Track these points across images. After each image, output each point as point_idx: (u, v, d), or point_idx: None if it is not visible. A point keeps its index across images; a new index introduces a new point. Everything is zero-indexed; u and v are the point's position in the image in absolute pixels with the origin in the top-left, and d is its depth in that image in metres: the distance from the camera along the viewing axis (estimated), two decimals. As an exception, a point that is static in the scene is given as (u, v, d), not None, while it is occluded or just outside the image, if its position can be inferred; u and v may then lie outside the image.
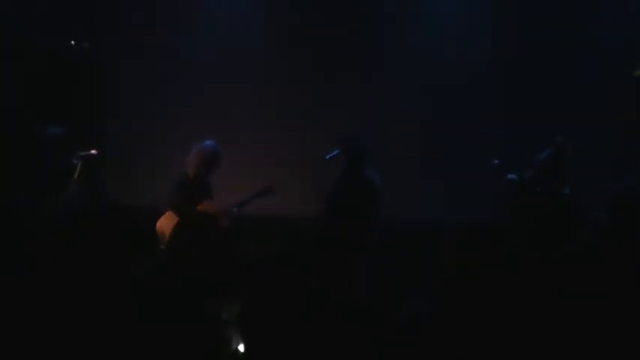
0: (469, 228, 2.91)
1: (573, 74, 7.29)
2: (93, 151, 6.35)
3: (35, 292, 2.50)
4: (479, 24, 7.58)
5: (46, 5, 7.63)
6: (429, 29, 7.63)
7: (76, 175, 6.20)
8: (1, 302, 2.48)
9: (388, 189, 5.80)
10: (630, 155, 6.85)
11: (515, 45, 7.44)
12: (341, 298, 2.79)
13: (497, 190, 5.95)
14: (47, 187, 6.13)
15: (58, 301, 2.46)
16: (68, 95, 7.75)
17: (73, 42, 7.40)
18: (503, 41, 7.47)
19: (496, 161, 6.01)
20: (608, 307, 2.68)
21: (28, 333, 2.40)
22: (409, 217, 6.85)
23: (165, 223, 5.02)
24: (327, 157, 5.84)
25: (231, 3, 8.07)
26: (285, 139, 7.54)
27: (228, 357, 2.49)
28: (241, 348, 2.46)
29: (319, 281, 2.59)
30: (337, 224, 5.51)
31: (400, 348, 2.48)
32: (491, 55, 7.50)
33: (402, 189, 6.90)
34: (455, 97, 7.47)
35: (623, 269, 3.07)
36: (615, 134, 7.09)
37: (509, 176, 5.88)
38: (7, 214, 2.91)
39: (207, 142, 5.66)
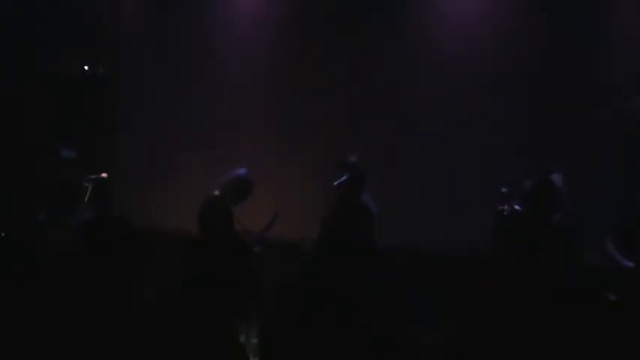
0: (468, 258, 2.94)
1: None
2: (103, 175, 6.45)
3: (47, 317, 2.55)
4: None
5: (53, 26, 7.71)
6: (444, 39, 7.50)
7: (86, 199, 6.29)
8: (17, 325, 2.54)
9: (392, 213, 5.87)
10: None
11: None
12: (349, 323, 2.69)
13: (495, 220, 5.91)
14: (58, 210, 6.14)
15: (66, 327, 2.49)
16: (79, 118, 7.83)
17: (86, 67, 7.56)
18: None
19: (504, 190, 5.96)
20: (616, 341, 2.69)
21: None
22: (409, 244, 6.77)
23: None
24: (336, 183, 5.90)
25: (244, 18, 8.05)
26: (297, 160, 7.51)
27: None
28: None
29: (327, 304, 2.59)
30: (332, 249, 5.47)
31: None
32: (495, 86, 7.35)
33: (405, 213, 6.94)
34: (466, 116, 7.34)
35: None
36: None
37: (515, 206, 5.84)
38: (17, 241, 2.97)
39: (241, 171, 5.80)
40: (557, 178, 5.70)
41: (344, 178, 5.93)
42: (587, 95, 7.02)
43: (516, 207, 5.83)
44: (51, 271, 2.81)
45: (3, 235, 4.89)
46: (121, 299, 2.59)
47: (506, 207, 5.84)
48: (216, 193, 5.77)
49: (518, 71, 7.20)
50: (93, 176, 6.39)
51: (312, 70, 7.70)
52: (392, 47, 7.52)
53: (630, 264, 5.43)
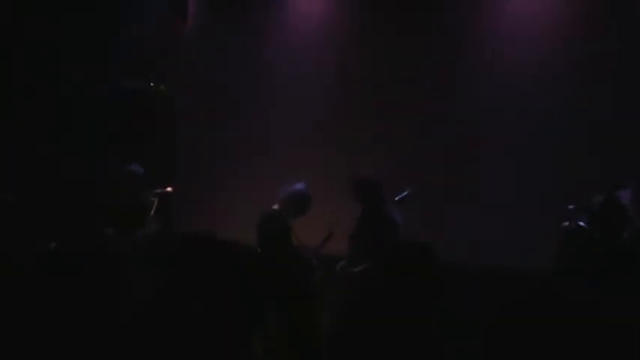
0: (529, 276, 2.84)
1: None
2: (169, 189, 6.51)
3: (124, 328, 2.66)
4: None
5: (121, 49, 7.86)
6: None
7: (152, 212, 6.35)
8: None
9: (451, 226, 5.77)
10: None
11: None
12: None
13: (559, 238, 5.65)
14: (127, 224, 6.25)
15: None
16: (142, 134, 7.99)
17: (152, 83, 7.76)
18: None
19: (570, 207, 5.68)
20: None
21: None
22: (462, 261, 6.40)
23: None
24: (397, 198, 5.83)
25: (300, 31, 8.00)
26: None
27: None
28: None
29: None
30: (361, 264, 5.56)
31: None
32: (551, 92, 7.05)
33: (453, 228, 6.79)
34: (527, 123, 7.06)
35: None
36: None
37: (580, 223, 5.61)
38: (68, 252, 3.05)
39: (300, 186, 5.81)
40: (625, 193, 5.54)
41: (405, 193, 5.87)
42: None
43: (581, 223, 5.60)
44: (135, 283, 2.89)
45: (54, 246, 5.03)
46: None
47: (570, 223, 5.61)
48: (275, 207, 5.78)
49: (579, 77, 6.96)
50: (159, 190, 6.46)
51: (372, 84, 7.65)
52: (454, 54, 7.37)
53: None
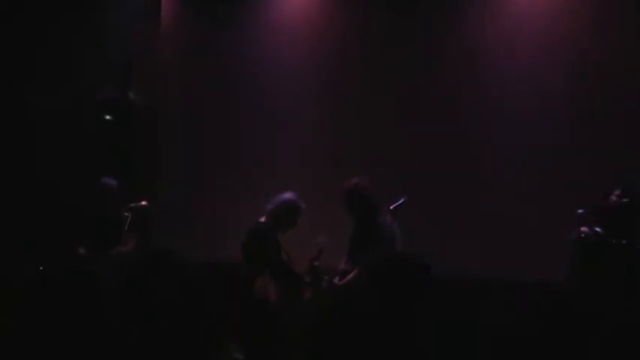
0: (540, 287, 2.79)
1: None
2: (143, 202, 6.23)
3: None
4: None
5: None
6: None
7: (126, 228, 6.07)
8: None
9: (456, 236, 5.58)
10: None
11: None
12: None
13: (570, 245, 5.42)
14: (100, 243, 6.04)
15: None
16: (119, 146, 7.75)
17: (128, 93, 7.48)
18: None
19: (580, 211, 5.42)
20: None
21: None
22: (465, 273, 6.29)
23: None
24: (392, 207, 5.44)
25: (288, 46, 7.74)
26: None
27: None
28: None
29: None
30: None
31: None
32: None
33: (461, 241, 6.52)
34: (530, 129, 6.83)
35: None
36: None
37: (596, 230, 5.36)
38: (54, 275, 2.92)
39: (289, 195, 5.48)
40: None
41: (401, 201, 5.48)
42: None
43: (597, 230, 5.36)
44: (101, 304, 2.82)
45: (41, 269, 4.83)
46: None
47: (585, 230, 5.34)
48: (262, 219, 5.44)
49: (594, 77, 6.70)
50: (133, 204, 6.17)
51: (365, 86, 7.39)
52: (452, 55, 7.11)
53: None
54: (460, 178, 6.87)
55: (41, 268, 4.75)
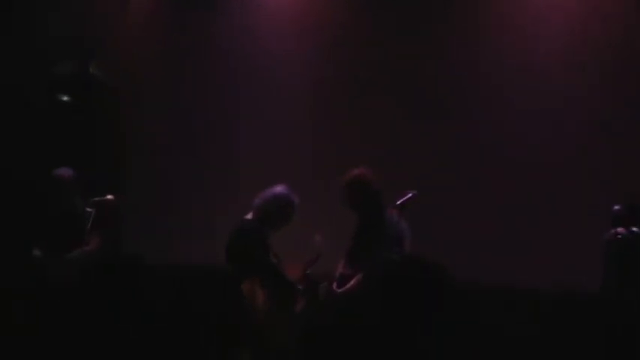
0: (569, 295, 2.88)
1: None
2: (109, 197, 5.69)
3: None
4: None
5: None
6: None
7: (89, 226, 5.56)
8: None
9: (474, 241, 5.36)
10: None
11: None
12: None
13: (605, 247, 5.17)
14: (58, 241, 5.58)
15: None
16: (79, 131, 7.31)
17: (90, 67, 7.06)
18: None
19: (616, 207, 5.17)
20: None
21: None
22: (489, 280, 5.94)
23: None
24: (399, 202, 4.96)
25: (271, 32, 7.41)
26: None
27: None
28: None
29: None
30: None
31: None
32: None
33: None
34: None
35: None
36: None
37: (632, 229, 5.07)
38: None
39: (280, 189, 5.09)
40: None
41: (409, 195, 4.98)
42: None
43: (634, 229, 5.09)
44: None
45: None
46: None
47: (622, 230, 5.09)
48: (249, 217, 5.07)
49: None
50: (97, 199, 5.63)
51: (364, 74, 7.09)
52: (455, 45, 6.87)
53: None
54: (472, 176, 6.65)
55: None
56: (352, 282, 4.90)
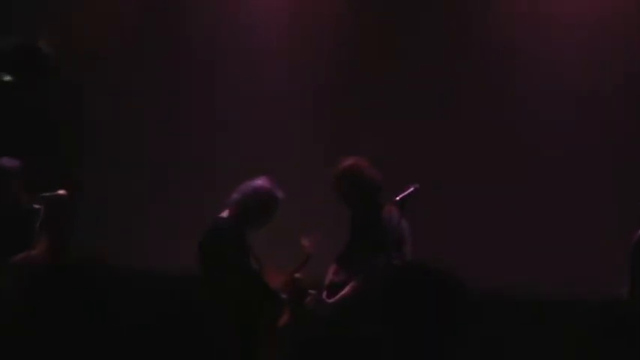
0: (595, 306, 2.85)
1: None
2: (61, 192, 5.48)
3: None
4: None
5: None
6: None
7: (38, 224, 5.36)
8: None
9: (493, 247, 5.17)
10: None
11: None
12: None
13: (633, 250, 4.80)
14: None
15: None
16: (31, 119, 6.98)
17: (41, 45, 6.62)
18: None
19: None
20: None
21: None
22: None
23: None
24: (399, 197, 4.73)
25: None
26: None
27: None
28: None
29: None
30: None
31: None
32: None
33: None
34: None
35: None
36: None
37: None
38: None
39: (262, 181, 4.90)
40: None
41: (411, 189, 4.74)
42: None
43: None
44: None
45: None
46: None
47: None
48: (225, 214, 4.90)
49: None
50: (46, 194, 5.44)
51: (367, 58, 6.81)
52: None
53: None
54: (478, 160, 6.42)
55: None
56: (345, 290, 4.76)
